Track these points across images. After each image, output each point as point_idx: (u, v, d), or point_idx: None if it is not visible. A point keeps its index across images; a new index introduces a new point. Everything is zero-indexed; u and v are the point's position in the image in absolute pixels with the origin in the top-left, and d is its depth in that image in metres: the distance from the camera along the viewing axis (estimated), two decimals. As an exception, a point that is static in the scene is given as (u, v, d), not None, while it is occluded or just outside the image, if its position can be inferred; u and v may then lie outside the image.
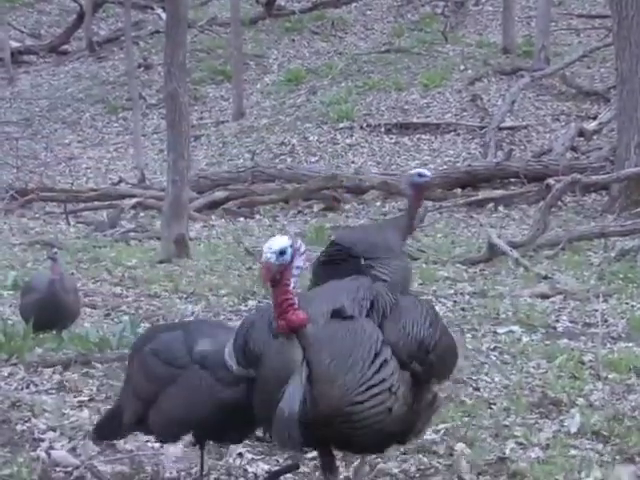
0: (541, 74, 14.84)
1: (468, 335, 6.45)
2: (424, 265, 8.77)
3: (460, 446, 4.69)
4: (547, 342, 6.31)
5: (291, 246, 3.43)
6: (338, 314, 3.55)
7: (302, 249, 3.51)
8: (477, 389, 5.49)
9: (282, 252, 3.39)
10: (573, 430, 4.91)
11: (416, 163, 13.55)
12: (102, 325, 6.52)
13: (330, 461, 3.74)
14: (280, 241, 3.43)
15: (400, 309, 3.69)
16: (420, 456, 4.57)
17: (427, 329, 3.66)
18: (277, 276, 3.38)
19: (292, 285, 3.44)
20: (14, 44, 17.90)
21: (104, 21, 18.64)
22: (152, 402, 3.98)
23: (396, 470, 4.44)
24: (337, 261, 5.52)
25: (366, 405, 3.43)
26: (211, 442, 4.19)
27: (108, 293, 7.94)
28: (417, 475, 4.42)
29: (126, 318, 6.72)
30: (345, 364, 3.42)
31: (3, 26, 17.70)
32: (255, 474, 4.39)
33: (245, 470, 4.43)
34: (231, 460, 4.46)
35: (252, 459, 4.51)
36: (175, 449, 4.43)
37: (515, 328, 6.57)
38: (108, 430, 4.29)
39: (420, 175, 5.63)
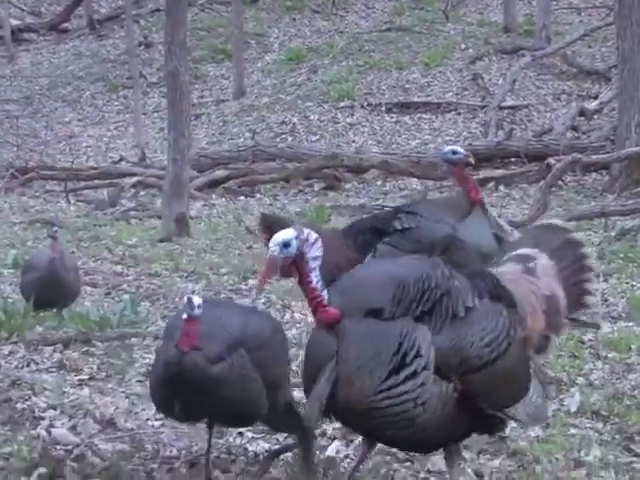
0: (542, 53, 14.83)
1: None
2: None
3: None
4: (548, 319, 6.32)
5: (297, 237, 3.38)
6: (375, 314, 3.42)
7: (312, 239, 3.44)
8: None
9: (286, 244, 3.35)
10: (573, 409, 4.93)
11: (417, 142, 13.56)
12: (103, 304, 6.54)
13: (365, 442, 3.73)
14: (284, 233, 3.38)
15: (468, 317, 3.48)
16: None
17: (481, 347, 3.47)
18: (285, 269, 3.37)
19: (315, 280, 3.40)
20: (14, 22, 17.85)
21: (104, -1, 18.51)
22: None
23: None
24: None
25: (384, 412, 3.37)
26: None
27: (109, 272, 7.96)
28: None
29: (126, 297, 6.74)
30: (366, 369, 3.35)
31: (3, 4, 17.66)
32: (255, 452, 4.39)
33: (245, 449, 4.44)
34: (231, 439, 4.47)
35: (252, 438, 4.51)
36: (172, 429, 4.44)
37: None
38: None
39: (454, 152, 5.48)
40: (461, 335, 3.45)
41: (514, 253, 3.93)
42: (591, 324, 4.11)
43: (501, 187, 11.63)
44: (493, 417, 3.58)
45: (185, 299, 3.92)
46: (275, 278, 3.57)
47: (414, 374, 3.36)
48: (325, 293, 3.41)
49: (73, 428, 4.62)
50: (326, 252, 3.46)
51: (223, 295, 6.95)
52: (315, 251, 3.43)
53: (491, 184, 11.68)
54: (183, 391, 3.83)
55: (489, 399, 3.52)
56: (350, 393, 3.36)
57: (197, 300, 3.86)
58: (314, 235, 3.46)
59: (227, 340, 3.95)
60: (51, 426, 4.63)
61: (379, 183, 12.34)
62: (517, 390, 3.62)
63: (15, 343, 5.73)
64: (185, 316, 3.82)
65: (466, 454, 4.39)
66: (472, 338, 3.46)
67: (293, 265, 3.43)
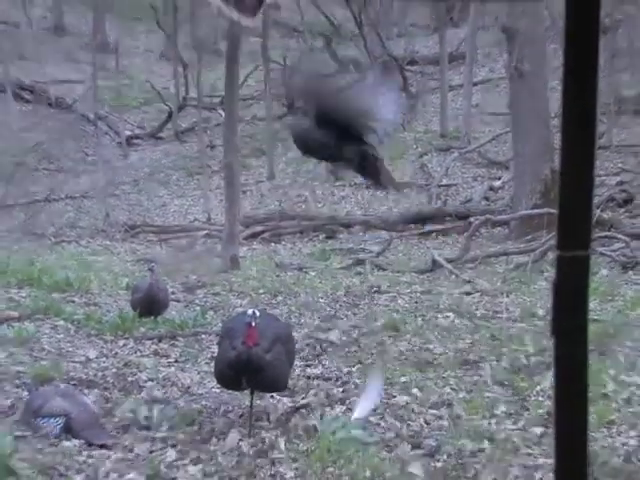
0: (465, 150, 14.87)
1: (419, 319, 6.43)
2: (390, 274, 8.78)
3: (414, 390, 4.69)
4: (471, 323, 6.31)
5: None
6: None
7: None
8: (427, 350, 5.50)
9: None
10: (487, 380, 4.90)
11: (385, 208, 13.63)
12: (183, 313, 6.55)
13: None
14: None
15: None
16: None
17: None
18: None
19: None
20: (127, 132, 17.99)
21: (185, 117, 18.66)
22: None
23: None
24: None
25: None
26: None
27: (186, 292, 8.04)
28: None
29: (198, 308, 6.76)
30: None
31: (121, 121, 17.83)
32: (282, 409, 4.40)
33: (275, 406, 4.44)
34: (264, 402, 4.46)
35: (279, 399, 4.52)
36: (227, 394, 4.44)
37: (450, 314, 6.58)
38: None
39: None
40: None
41: None
42: None
43: (440, 236, 11.65)
44: None
45: (250, 312, 4.00)
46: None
47: None
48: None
49: (164, 393, 4.64)
50: None
51: (260, 306, 6.98)
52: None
53: (433, 234, 11.72)
54: (248, 371, 3.90)
55: None
56: None
57: (257, 313, 3.97)
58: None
59: (271, 339, 4.02)
60: (149, 392, 4.65)
61: (360, 234, 12.38)
62: None
63: (127, 338, 5.77)
64: (252, 323, 3.91)
65: (416, 409, 4.37)
66: None
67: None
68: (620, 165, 12.32)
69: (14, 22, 20.24)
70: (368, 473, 3.60)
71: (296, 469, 3.70)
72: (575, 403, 1.01)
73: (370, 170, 2.93)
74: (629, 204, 11.34)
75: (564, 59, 1.04)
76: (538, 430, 4.09)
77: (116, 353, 5.38)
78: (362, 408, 4.29)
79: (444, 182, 13.87)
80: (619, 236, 8.81)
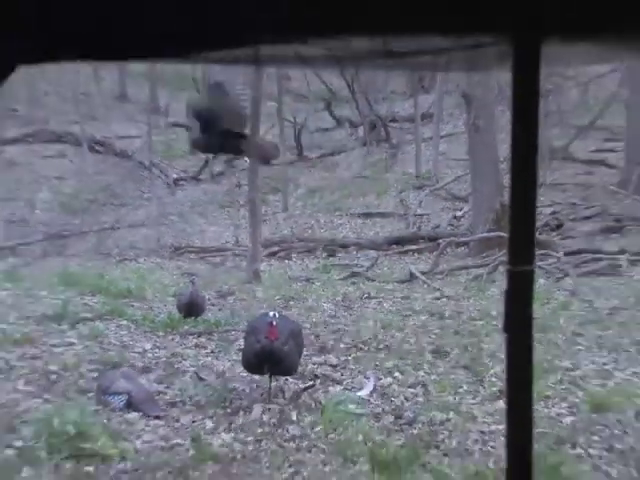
0: (434, 188, 14.82)
1: (400, 318, 6.34)
2: (378, 283, 8.74)
3: (397, 374, 4.67)
4: (440, 321, 6.26)
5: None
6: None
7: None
8: (406, 342, 5.48)
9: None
10: (452, 365, 4.90)
11: (372, 232, 13.58)
12: (217, 314, 6.52)
13: None
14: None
15: None
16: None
17: None
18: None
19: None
20: (174, 175, 17.99)
21: (218, 164, 18.60)
22: None
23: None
24: None
25: None
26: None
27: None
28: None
29: (228, 311, 6.74)
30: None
31: (170, 167, 17.85)
32: (293, 389, 4.38)
33: (288, 386, 4.42)
34: (281, 382, 4.47)
35: (292, 382, 4.50)
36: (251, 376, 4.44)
37: (424, 316, 6.50)
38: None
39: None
40: None
41: None
42: None
43: (415, 254, 11.58)
44: None
45: (271, 314, 4.03)
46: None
47: None
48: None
49: (203, 376, 4.62)
50: None
51: (278, 309, 6.95)
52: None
53: (410, 252, 11.66)
54: (270, 360, 3.92)
55: None
56: None
57: (276, 314, 4.04)
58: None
59: (287, 335, 4.02)
60: (191, 375, 4.65)
61: (354, 253, 12.35)
62: None
63: (174, 334, 5.73)
64: (273, 323, 3.90)
65: (396, 394, 4.35)
66: None
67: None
68: (552, 199, 12.33)
69: (88, 92, 20.46)
70: (360, 438, 3.61)
71: (305, 435, 3.70)
72: (522, 383, 1.02)
73: (235, 149, 3.47)
74: (560, 229, 11.38)
75: (512, 117, 1.05)
76: (492, 404, 4.09)
77: (166, 346, 5.36)
78: (366, 389, 4.33)
79: (418, 212, 13.85)
80: (553, 253, 8.80)
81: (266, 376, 4.18)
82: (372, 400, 4.21)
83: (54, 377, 4.36)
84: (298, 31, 0.81)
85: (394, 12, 0.79)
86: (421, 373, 4.68)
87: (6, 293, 6.65)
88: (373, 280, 8.99)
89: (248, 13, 0.77)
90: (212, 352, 5.26)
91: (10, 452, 3.32)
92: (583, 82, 15.47)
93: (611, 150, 14.39)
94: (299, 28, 0.80)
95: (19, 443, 3.39)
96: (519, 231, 1.02)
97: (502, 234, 9.25)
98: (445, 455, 3.45)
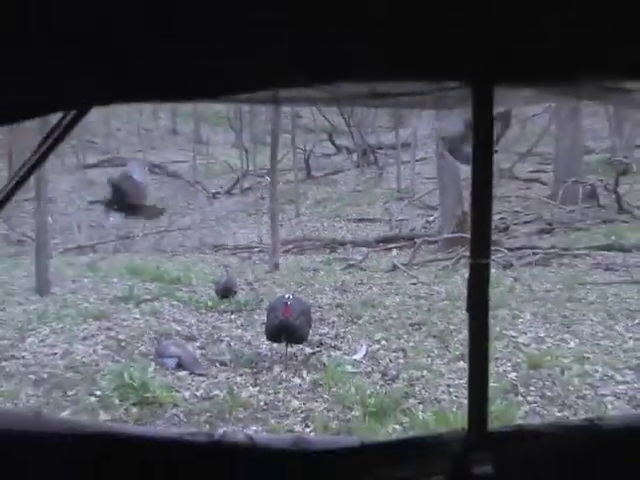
0: (411, 200, 14.54)
1: (386, 299, 6.20)
2: (368, 273, 8.64)
3: (383, 342, 4.63)
4: (416, 302, 6.17)
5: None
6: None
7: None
8: (390, 318, 5.38)
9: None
10: (425, 335, 4.84)
11: (365, 233, 13.48)
12: (245, 296, 6.45)
13: None
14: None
15: None
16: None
17: None
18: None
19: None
20: (213, 190, 17.82)
21: (246, 181, 18.44)
22: None
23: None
24: None
25: None
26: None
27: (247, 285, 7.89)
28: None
29: (254, 294, 6.67)
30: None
31: (209, 184, 17.77)
32: (305, 353, 4.36)
33: (300, 350, 4.40)
34: (294, 349, 4.44)
35: (303, 347, 4.47)
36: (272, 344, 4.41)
37: (404, 297, 6.38)
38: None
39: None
40: None
41: None
42: None
43: (397, 250, 11.45)
44: None
45: (286, 296, 4.00)
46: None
47: None
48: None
49: (235, 344, 4.60)
50: None
51: (294, 293, 6.88)
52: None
53: (393, 249, 11.52)
54: (286, 331, 3.91)
55: None
56: None
57: (291, 297, 4.03)
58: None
59: (299, 312, 4.01)
60: (227, 343, 4.62)
61: (350, 249, 12.28)
62: None
63: (213, 312, 5.66)
64: (288, 303, 3.87)
65: (382, 362, 4.30)
66: None
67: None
68: (501, 208, 12.33)
69: (149, 127, 20.54)
70: (353, 390, 3.60)
71: (313, 388, 3.70)
72: (480, 349, 1.02)
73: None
74: (506, 230, 11.40)
75: (473, 146, 1.04)
76: (456, 364, 4.07)
77: (207, 320, 5.34)
78: (359, 354, 4.31)
79: (399, 218, 13.78)
80: (501, 249, 8.76)
81: (283, 344, 4.17)
82: (364, 362, 4.20)
83: (123, 344, 4.38)
84: (307, 78, 0.82)
85: (378, 63, 0.80)
86: (402, 341, 4.66)
87: (87, 280, 6.71)
88: (365, 270, 8.95)
89: (273, 62, 0.79)
90: (242, 325, 5.24)
91: (92, 399, 3.40)
92: (522, 119, 15.43)
93: (543, 171, 14.48)
94: (308, 76, 0.81)
95: (99, 392, 3.46)
96: (478, 232, 1.02)
97: (464, 235, 9.20)
98: (420, 403, 3.45)
